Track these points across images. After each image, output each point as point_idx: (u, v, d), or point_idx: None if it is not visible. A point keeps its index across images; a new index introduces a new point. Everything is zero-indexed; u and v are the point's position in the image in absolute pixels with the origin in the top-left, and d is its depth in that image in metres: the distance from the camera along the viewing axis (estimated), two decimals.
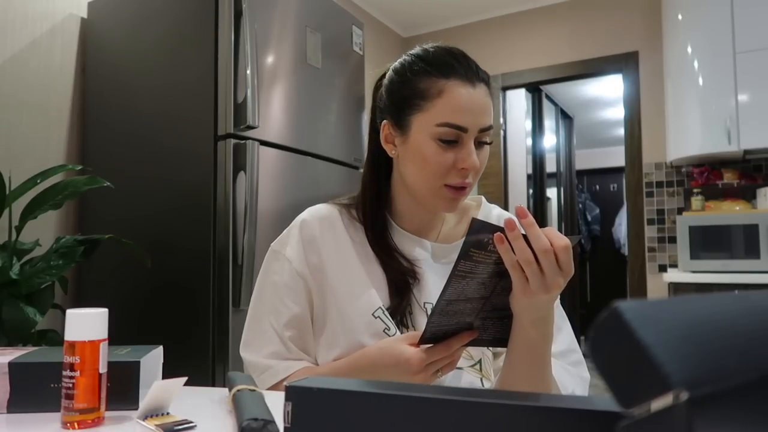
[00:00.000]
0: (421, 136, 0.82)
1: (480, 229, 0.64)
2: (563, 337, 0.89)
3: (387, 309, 0.85)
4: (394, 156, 0.89)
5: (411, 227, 0.92)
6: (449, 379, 0.83)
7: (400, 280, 0.87)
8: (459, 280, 0.65)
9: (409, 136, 0.84)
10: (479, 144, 0.84)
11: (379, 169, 0.93)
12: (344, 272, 0.88)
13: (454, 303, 0.67)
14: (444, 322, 0.69)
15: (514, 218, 0.67)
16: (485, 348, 0.88)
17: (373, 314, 0.84)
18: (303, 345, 0.88)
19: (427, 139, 0.82)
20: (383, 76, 0.91)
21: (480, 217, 0.96)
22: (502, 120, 3.81)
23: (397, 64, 0.88)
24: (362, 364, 0.78)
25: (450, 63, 0.82)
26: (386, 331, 0.83)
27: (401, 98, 0.85)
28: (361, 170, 0.96)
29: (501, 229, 0.65)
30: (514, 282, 0.68)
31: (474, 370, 0.86)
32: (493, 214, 0.99)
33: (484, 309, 0.71)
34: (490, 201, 1.01)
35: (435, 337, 0.71)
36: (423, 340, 0.72)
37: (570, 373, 0.86)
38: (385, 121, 0.89)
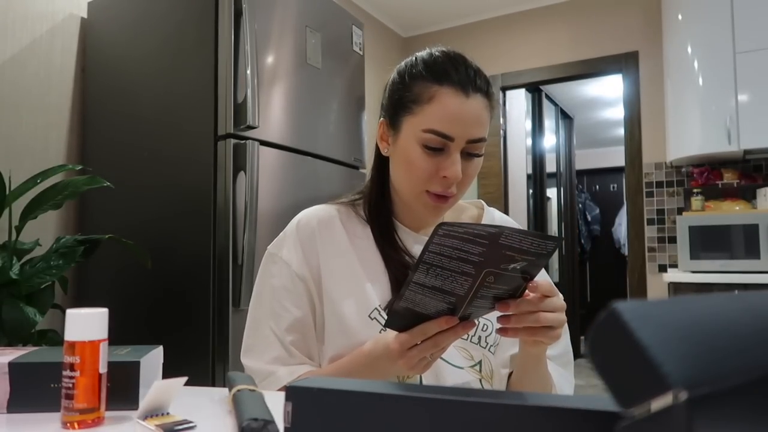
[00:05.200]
0: (409, 140, 0.82)
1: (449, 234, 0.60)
2: (561, 338, 0.90)
3: (384, 308, 0.85)
4: (386, 154, 0.90)
5: (411, 225, 0.93)
6: (448, 379, 0.83)
7: (401, 274, 0.86)
8: (425, 271, 0.62)
9: (398, 138, 0.85)
10: (468, 155, 0.83)
11: (384, 166, 0.93)
12: (341, 273, 0.88)
13: (425, 290, 0.64)
14: (417, 304, 0.66)
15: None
16: (486, 350, 0.88)
17: (369, 315, 0.84)
18: (306, 349, 0.88)
19: (414, 144, 0.82)
20: (392, 74, 0.91)
21: (485, 218, 0.98)
22: (502, 120, 3.81)
23: (402, 64, 0.88)
24: (360, 359, 0.78)
25: (446, 69, 0.81)
26: (382, 332, 0.83)
27: (397, 99, 0.85)
28: (361, 170, 0.97)
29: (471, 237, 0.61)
30: (527, 343, 0.73)
31: (474, 371, 0.86)
32: (496, 217, 1.00)
33: (470, 304, 0.68)
34: (488, 203, 1.02)
35: (407, 320, 0.69)
36: (387, 323, 0.70)
37: (563, 376, 0.91)
38: (382, 119, 0.90)
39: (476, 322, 0.74)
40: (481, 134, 0.82)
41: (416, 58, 0.86)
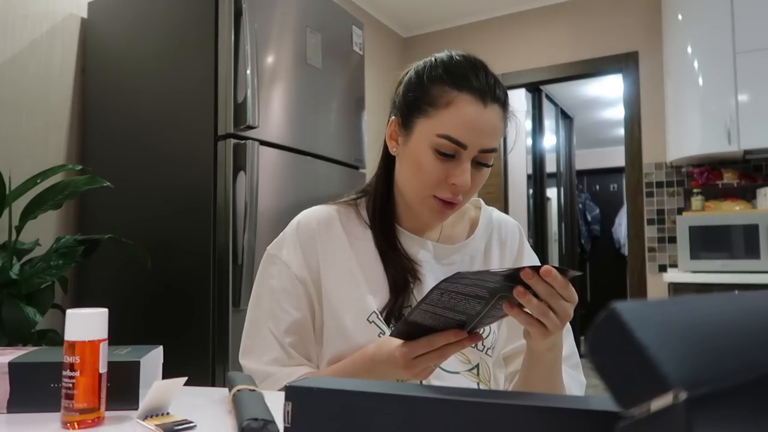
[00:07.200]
0: (421, 142, 0.82)
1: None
2: (567, 340, 0.89)
3: (381, 312, 0.85)
4: (395, 153, 0.88)
5: (412, 227, 0.92)
6: (445, 383, 0.83)
7: (401, 277, 0.86)
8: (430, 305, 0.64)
9: (410, 139, 0.84)
10: (478, 164, 0.82)
11: (391, 165, 0.92)
12: (340, 276, 0.87)
13: (436, 309, 0.65)
14: (426, 321, 0.68)
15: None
16: (483, 353, 0.88)
17: (367, 319, 0.84)
18: (305, 351, 0.88)
19: (426, 147, 0.81)
20: (408, 72, 0.90)
21: (481, 219, 0.96)
22: None
23: (420, 63, 0.87)
24: (362, 362, 0.78)
25: (467, 75, 0.80)
26: (380, 335, 0.83)
27: (413, 99, 0.84)
28: (361, 170, 0.96)
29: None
30: (532, 331, 0.67)
31: (471, 375, 0.86)
32: (493, 217, 0.99)
33: (480, 320, 0.69)
34: (488, 203, 1.01)
35: (413, 332, 0.69)
36: (394, 333, 0.70)
37: (572, 377, 0.88)
38: (393, 117, 0.88)
39: (482, 332, 0.73)
40: (494, 145, 0.81)
41: (436, 59, 0.85)
